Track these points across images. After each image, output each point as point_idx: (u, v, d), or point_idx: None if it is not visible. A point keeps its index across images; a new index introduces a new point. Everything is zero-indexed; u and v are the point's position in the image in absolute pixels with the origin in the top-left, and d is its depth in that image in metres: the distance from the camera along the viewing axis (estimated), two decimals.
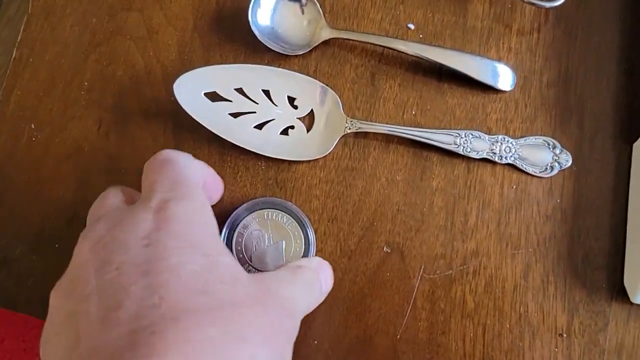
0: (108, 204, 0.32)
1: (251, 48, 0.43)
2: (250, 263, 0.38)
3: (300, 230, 0.39)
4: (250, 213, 0.39)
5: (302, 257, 0.39)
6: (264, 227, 0.38)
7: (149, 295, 0.24)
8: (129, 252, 0.26)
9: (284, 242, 0.38)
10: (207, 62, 0.43)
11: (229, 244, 0.38)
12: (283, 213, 0.39)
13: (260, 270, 0.38)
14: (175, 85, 0.39)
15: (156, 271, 0.25)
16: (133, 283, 0.24)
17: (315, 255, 0.39)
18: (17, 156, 0.42)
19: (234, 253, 0.38)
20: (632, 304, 0.37)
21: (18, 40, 0.44)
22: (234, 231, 0.38)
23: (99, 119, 0.42)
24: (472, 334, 0.38)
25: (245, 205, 0.39)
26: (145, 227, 0.27)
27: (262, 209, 0.39)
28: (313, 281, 0.35)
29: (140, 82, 0.43)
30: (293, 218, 0.39)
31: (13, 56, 0.43)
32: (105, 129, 0.42)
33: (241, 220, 0.38)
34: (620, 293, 0.38)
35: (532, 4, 0.40)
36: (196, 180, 0.33)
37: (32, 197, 0.41)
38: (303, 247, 0.39)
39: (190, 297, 0.25)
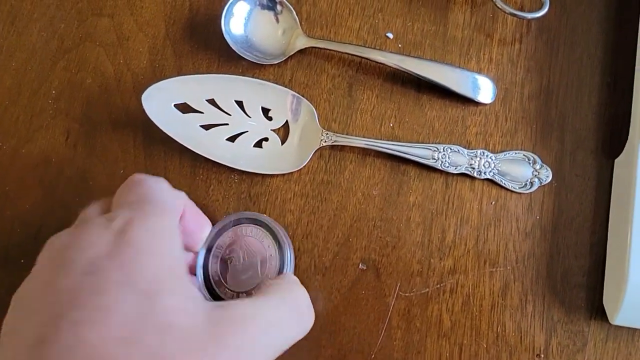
0: (85, 213, 0.31)
1: (225, 56, 0.41)
2: (226, 285, 0.36)
3: (274, 244, 0.37)
4: (226, 231, 0.37)
5: (278, 273, 0.36)
6: (237, 244, 0.37)
7: (72, 334, 0.22)
8: (69, 277, 0.24)
9: (259, 258, 0.37)
10: (179, 71, 0.42)
11: (206, 268, 0.36)
12: (258, 227, 0.37)
13: (239, 293, 0.36)
14: (143, 97, 0.38)
15: (87, 306, 0.23)
16: (63, 316, 0.23)
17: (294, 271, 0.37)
18: None
19: (211, 276, 0.36)
20: (610, 324, 0.37)
21: None
22: (210, 253, 0.36)
23: (67, 129, 0.41)
24: (448, 354, 0.37)
25: (218, 224, 0.37)
26: (99, 250, 0.26)
27: (236, 225, 0.37)
28: (286, 309, 0.30)
29: (110, 91, 0.41)
30: (268, 231, 0.37)
31: None
32: (73, 139, 0.41)
33: (216, 241, 0.36)
34: (599, 313, 0.37)
35: (514, 14, 0.39)
36: (169, 202, 0.31)
37: None
38: (278, 262, 0.36)
39: (113, 346, 0.23)
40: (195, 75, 0.40)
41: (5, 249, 0.40)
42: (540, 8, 0.39)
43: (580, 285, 0.38)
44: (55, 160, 0.40)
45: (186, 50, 0.42)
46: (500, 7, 0.39)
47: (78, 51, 0.42)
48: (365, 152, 0.40)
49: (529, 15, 0.39)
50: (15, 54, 0.42)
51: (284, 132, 0.40)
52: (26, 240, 0.40)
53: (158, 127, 0.39)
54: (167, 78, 0.39)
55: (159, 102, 0.39)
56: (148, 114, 0.38)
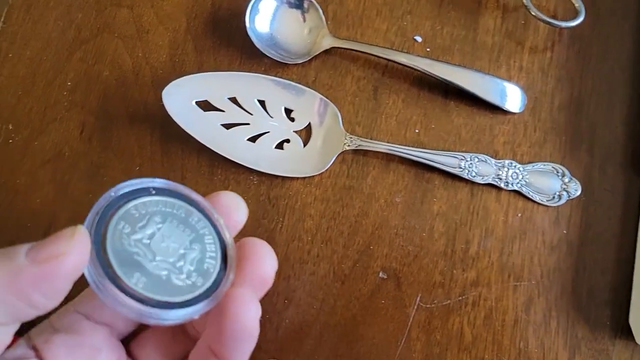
0: None
1: (247, 54, 0.40)
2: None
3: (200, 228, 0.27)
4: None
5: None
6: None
7: None
8: None
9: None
10: (199, 67, 0.40)
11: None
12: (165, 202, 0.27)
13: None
14: (164, 93, 0.37)
15: None
16: None
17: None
18: None
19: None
20: (636, 344, 0.36)
21: None
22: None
23: (82, 122, 0.40)
24: None
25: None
26: None
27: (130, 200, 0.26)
28: None
29: (127, 84, 0.40)
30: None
31: None
32: (88, 133, 0.40)
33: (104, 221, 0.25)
34: (624, 331, 0.36)
35: (547, 22, 0.38)
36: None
37: (6, 204, 0.38)
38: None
39: None
40: (218, 72, 0.38)
41: (13, 244, 0.38)
42: (574, 17, 0.38)
43: (606, 303, 0.37)
44: (69, 154, 0.39)
45: (207, 46, 0.41)
46: (534, 14, 0.38)
47: (95, 42, 0.41)
48: (389, 157, 0.39)
49: (563, 24, 0.38)
50: (30, 43, 0.41)
51: (306, 134, 0.39)
52: (36, 236, 0.38)
53: (176, 124, 0.37)
54: (187, 74, 0.38)
55: (180, 99, 0.37)
56: (168, 110, 0.37)
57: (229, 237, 0.28)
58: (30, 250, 0.23)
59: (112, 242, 0.24)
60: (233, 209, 0.29)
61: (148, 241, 0.25)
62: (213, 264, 0.26)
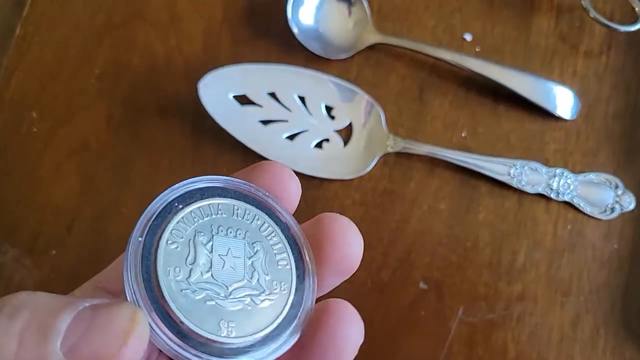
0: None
1: (286, 46, 0.38)
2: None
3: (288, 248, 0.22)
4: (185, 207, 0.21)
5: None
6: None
7: None
8: None
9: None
10: (234, 58, 0.38)
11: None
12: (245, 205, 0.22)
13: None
14: (200, 85, 0.35)
15: None
16: None
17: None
18: (14, 148, 0.37)
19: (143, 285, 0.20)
20: None
21: (23, 15, 0.38)
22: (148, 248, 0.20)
23: (110, 113, 0.38)
24: None
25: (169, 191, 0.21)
26: None
27: (203, 198, 0.22)
28: None
29: (158, 74, 0.38)
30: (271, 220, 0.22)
31: (17, 33, 0.38)
32: (115, 124, 0.37)
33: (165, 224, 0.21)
34: None
35: (606, 25, 0.36)
36: None
37: (29, 196, 0.36)
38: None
39: None
40: (257, 65, 0.36)
41: (34, 238, 0.36)
42: (634, 21, 0.36)
43: None
44: (95, 145, 0.37)
45: (244, 37, 0.39)
46: (593, 17, 0.36)
47: (126, 29, 0.39)
48: (433, 162, 0.37)
49: (622, 28, 0.36)
50: (58, 27, 0.39)
51: (346, 133, 0.37)
52: (58, 230, 0.36)
53: (210, 118, 0.35)
54: (221, 65, 0.36)
55: (217, 92, 0.35)
56: (204, 103, 0.35)
57: (287, 216, 0.22)
58: (69, 337, 0.17)
59: (176, 302, 0.19)
60: (280, 180, 0.23)
61: (209, 274, 0.21)
62: (285, 258, 0.22)
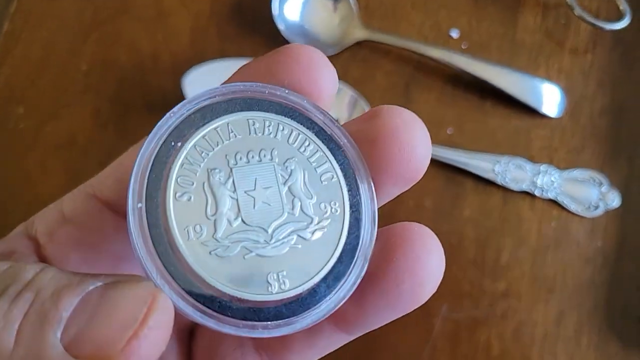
0: None
1: (272, 42, 0.38)
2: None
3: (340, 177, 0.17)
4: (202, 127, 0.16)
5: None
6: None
7: None
8: None
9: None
10: (221, 54, 0.38)
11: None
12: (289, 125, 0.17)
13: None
14: (185, 80, 0.35)
15: None
16: None
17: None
18: (1, 143, 0.37)
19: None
20: None
21: (11, 11, 0.39)
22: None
23: (97, 109, 0.38)
24: None
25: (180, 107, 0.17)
26: None
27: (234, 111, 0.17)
28: None
29: (145, 70, 0.38)
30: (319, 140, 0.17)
31: (4, 29, 0.38)
32: (103, 120, 0.38)
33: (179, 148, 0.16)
34: None
35: (591, 23, 0.36)
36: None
37: (15, 192, 0.37)
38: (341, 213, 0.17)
39: None
40: (242, 60, 0.36)
41: None
42: (619, 19, 0.36)
43: None
44: (82, 141, 0.37)
45: (231, 33, 0.39)
46: (578, 15, 0.36)
47: (114, 24, 0.39)
48: None
49: (607, 26, 0.36)
50: (46, 23, 0.39)
51: None
52: None
53: None
54: (208, 60, 0.36)
55: (202, 87, 0.35)
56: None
57: (321, 115, 0.17)
58: (72, 325, 0.14)
59: (206, 269, 0.15)
60: (307, 69, 0.17)
61: (238, 220, 0.16)
62: (329, 169, 0.17)
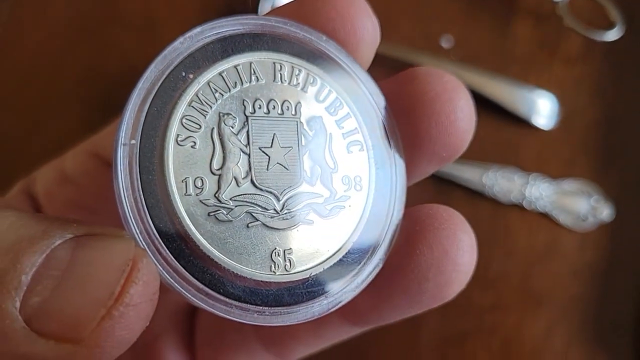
0: None
1: None
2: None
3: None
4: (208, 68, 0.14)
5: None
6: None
7: None
8: None
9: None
10: None
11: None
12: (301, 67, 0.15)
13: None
14: None
15: None
16: None
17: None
18: None
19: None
20: None
21: (2, 20, 0.39)
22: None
23: (86, 119, 0.38)
24: None
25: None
26: None
27: (240, 52, 0.14)
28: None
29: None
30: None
31: None
32: (91, 128, 0.37)
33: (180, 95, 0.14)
34: None
35: (582, 34, 0.36)
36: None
37: None
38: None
39: None
40: None
41: None
42: (610, 29, 0.36)
43: (629, 333, 0.35)
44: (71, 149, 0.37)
45: None
46: (569, 25, 0.36)
47: (103, 34, 0.39)
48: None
49: (599, 37, 0.36)
50: (35, 32, 0.39)
51: None
52: None
53: None
54: None
55: None
56: None
57: (357, 70, 0.15)
58: (33, 294, 0.11)
59: (202, 232, 0.13)
60: (345, 14, 0.15)
61: (247, 180, 0.13)
62: (358, 139, 0.14)
